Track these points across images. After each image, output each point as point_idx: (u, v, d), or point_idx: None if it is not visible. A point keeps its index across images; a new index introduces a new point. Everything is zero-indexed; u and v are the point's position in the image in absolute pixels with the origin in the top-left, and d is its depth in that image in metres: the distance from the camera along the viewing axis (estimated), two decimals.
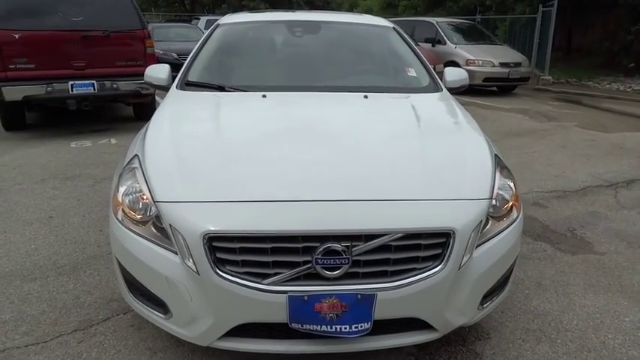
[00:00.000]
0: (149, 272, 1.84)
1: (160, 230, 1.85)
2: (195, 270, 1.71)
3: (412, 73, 3.11)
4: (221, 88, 2.79)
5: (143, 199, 1.93)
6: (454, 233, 1.74)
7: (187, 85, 2.90)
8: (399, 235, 1.71)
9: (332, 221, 1.71)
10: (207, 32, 3.40)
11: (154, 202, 1.84)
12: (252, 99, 2.65)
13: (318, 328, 1.71)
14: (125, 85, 6.45)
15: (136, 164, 2.07)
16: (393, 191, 1.85)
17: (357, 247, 1.69)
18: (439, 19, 12.46)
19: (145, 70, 6.84)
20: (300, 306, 1.69)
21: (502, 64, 10.47)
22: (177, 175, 1.94)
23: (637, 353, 2.22)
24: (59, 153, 5.54)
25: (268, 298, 1.70)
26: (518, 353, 2.21)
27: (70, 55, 6.08)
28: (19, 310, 2.49)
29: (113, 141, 6.18)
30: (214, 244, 1.70)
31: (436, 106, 2.72)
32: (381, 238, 1.70)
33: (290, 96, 2.74)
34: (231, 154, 2.06)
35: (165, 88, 3.17)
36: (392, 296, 1.72)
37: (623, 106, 9.23)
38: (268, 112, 2.57)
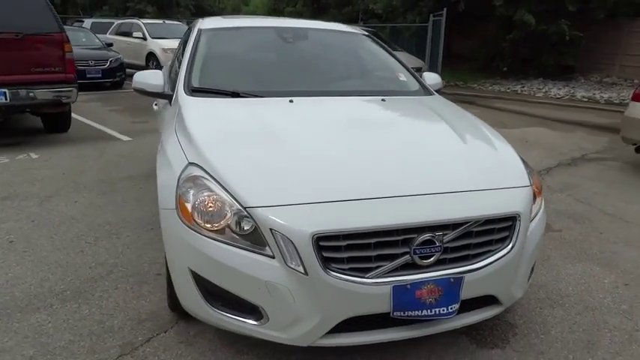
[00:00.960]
0: (242, 279, 1.81)
1: (244, 236, 1.84)
2: (303, 271, 1.74)
3: (402, 77, 3.34)
4: (235, 94, 2.74)
5: (210, 208, 1.89)
6: (519, 216, 1.98)
7: (194, 91, 2.79)
8: (481, 221, 1.91)
9: (428, 213, 1.85)
10: (193, 38, 3.26)
11: (245, 208, 1.81)
12: (282, 104, 2.64)
13: (420, 313, 1.84)
14: (42, 94, 5.83)
15: (198, 172, 1.99)
16: (466, 183, 2.03)
17: (447, 235, 1.86)
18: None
19: (63, 77, 6.25)
20: (402, 294, 1.81)
21: None
22: (260, 179, 1.91)
23: (627, 307, 2.68)
24: None
25: (374, 291, 1.78)
26: (543, 319, 2.54)
27: None
28: (40, 343, 2.23)
29: (34, 155, 5.57)
30: (321, 243, 1.74)
31: (445, 107, 2.94)
32: (465, 226, 1.89)
33: (316, 100, 2.77)
34: (300, 156, 2.08)
35: (160, 95, 3.03)
36: (475, 277, 1.91)
37: (512, 105, 10.53)
38: (307, 115, 2.59)
